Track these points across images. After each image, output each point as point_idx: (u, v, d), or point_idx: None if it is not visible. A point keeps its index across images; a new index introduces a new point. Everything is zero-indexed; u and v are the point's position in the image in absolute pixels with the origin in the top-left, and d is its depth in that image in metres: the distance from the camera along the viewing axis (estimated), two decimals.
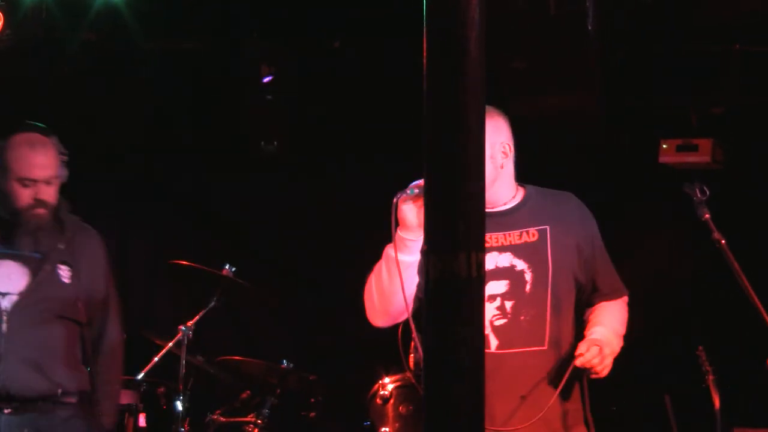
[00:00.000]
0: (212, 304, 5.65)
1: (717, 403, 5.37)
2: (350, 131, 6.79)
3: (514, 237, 3.90)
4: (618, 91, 6.10)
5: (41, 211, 4.36)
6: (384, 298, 3.84)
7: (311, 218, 6.83)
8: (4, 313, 4.26)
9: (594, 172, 6.39)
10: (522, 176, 4.08)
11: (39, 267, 4.36)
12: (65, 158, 4.46)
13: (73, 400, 4.37)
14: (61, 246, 4.42)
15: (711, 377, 5.40)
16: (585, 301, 4.01)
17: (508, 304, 3.84)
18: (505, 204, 3.94)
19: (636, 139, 6.44)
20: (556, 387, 3.85)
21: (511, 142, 3.97)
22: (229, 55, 6.61)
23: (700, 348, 5.45)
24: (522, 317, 3.84)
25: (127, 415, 5.29)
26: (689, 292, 6.22)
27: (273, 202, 6.89)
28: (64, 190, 4.54)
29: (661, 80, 6.11)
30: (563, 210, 4.01)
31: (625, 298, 4.10)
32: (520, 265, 3.88)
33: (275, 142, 6.89)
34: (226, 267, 5.67)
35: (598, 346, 3.81)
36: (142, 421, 5.36)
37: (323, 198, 6.86)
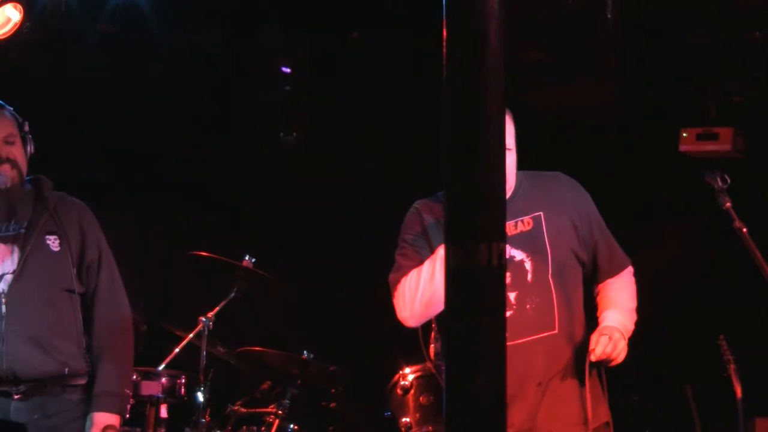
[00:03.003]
0: (232, 295, 5.66)
1: (739, 392, 5.36)
2: (370, 125, 6.78)
3: (509, 228, 3.91)
4: (635, 81, 6.08)
5: (5, 168, 4.25)
6: (434, 301, 3.81)
7: (331, 210, 6.83)
8: (3, 295, 4.19)
9: (612, 162, 6.38)
10: (537, 166, 4.08)
11: (26, 241, 4.27)
12: (27, 129, 4.35)
13: (82, 381, 4.26)
14: (45, 218, 4.30)
15: (732, 367, 5.39)
16: (591, 277, 4.03)
17: (512, 295, 3.87)
18: None
19: (654, 129, 6.42)
20: (573, 371, 3.87)
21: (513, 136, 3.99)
22: (247, 47, 6.62)
23: (721, 337, 5.44)
24: (528, 306, 3.86)
25: (148, 405, 5.31)
26: (710, 282, 6.20)
27: (293, 194, 6.90)
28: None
29: (679, 70, 6.09)
30: (554, 191, 4.03)
31: (630, 269, 4.10)
32: (519, 255, 3.90)
33: (294, 133, 6.90)
34: (246, 258, 5.68)
35: (606, 335, 3.83)
36: (163, 412, 5.37)
37: (341, 191, 6.86)
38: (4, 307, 4.20)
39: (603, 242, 4.04)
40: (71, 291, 4.31)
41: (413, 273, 3.85)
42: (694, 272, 6.26)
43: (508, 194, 3.96)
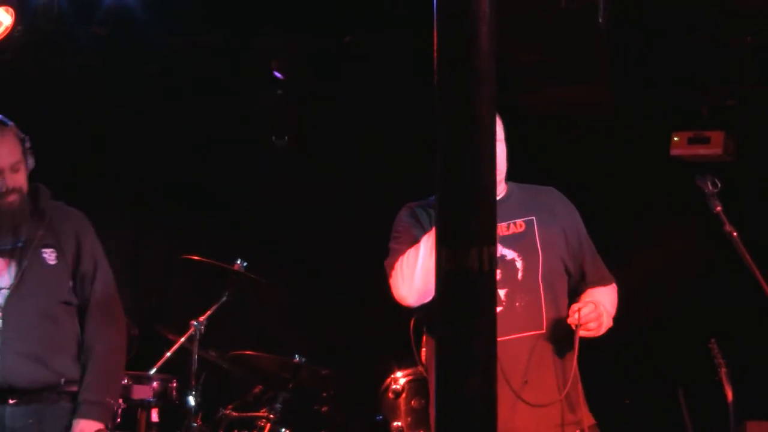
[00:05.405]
0: (224, 298, 5.66)
1: (730, 395, 5.36)
2: (363, 127, 6.77)
3: (501, 229, 3.96)
4: (629, 84, 6.08)
5: (12, 198, 4.28)
6: (431, 275, 3.77)
7: (323, 213, 6.83)
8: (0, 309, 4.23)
9: (610, 162, 6.38)
10: (535, 167, 4.10)
11: (23, 255, 4.30)
12: (28, 145, 4.37)
13: (77, 388, 4.30)
14: (42, 231, 4.33)
15: (723, 370, 5.39)
16: (573, 288, 4.06)
17: (502, 292, 3.91)
18: None
19: (647, 132, 6.42)
20: (557, 372, 3.90)
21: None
22: (240, 49, 6.61)
23: (713, 341, 5.44)
24: (517, 303, 3.91)
25: (140, 410, 5.30)
26: (701, 285, 6.21)
27: (285, 197, 6.89)
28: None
29: (672, 73, 6.09)
30: (546, 202, 4.11)
31: (614, 286, 4.14)
32: (510, 254, 3.95)
33: (286, 137, 6.89)
34: (238, 262, 5.68)
35: (593, 303, 3.89)
36: (154, 416, 5.36)
37: (335, 193, 6.85)
38: (0, 322, 4.22)
39: (590, 258, 4.11)
40: (68, 303, 4.35)
41: (411, 251, 3.85)
42: (684, 275, 6.26)
43: (501, 195, 4.01)
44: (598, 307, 3.90)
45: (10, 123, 4.37)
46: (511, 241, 3.95)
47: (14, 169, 4.29)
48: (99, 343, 4.35)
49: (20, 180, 4.31)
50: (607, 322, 3.97)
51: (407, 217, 4.04)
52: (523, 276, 3.93)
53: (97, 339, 4.35)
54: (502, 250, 3.92)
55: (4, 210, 4.30)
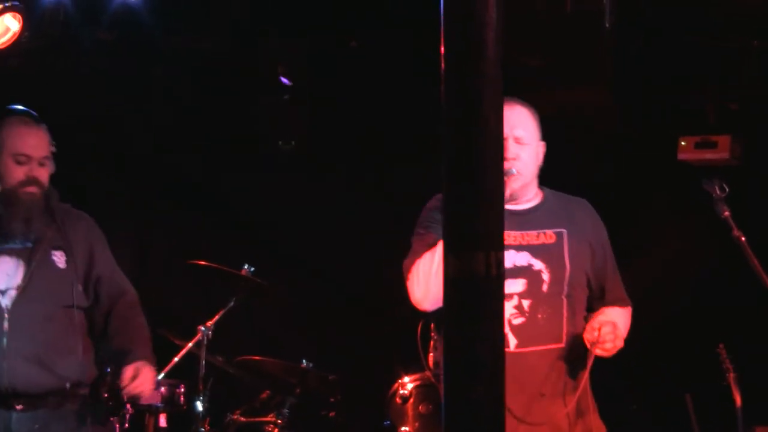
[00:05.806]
0: (231, 304, 5.66)
1: (738, 401, 5.35)
2: (363, 127, 6.78)
3: (531, 237, 3.94)
4: (634, 88, 6.08)
5: (34, 189, 4.30)
6: None
7: (330, 217, 6.83)
8: (6, 311, 4.21)
9: (611, 169, 6.38)
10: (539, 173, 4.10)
11: (32, 256, 4.29)
12: (54, 149, 4.41)
13: (83, 391, 4.31)
14: (52, 232, 4.34)
15: (732, 375, 5.38)
16: (589, 305, 4.04)
17: (526, 303, 3.88)
18: (525, 203, 3.97)
19: (653, 136, 6.42)
20: (573, 386, 3.88)
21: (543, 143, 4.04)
22: (246, 54, 6.61)
23: (721, 346, 5.43)
24: (539, 315, 3.88)
25: (147, 415, 5.30)
26: (709, 290, 6.20)
27: (291, 201, 6.89)
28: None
29: (672, 73, 6.08)
30: (577, 215, 4.07)
31: (630, 309, 4.12)
32: (538, 264, 3.91)
33: (293, 142, 6.89)
34: (245, 267, 5.68)
35: (612, 324, 3.86)
36: (162, 421, 5.36)
37: (341, 197, 6.86)
38: (6, 323, 4.22)
39: (612, 276, 4.10)
40: (74, 307, 4.33)
41: (427, 254, 3.80)
42: (692, 280, 6.25)
43: (535, 202, 4.01)
44: (617, 329, 3.87)
45: (43, 123, 4.42)
46: (540, 251, 3.92)
47: (41, 163, 4.33)
48: (134, 325, 4.44)
49: (44, 175, 4.34)
50: (619, 344, 3.95)
51: (432, 212, 3.96)
52: (548, 288, 3.90)
53: (131, 323, 4.44)
54: (530, 260, 3.90)
55: (21, 199, 4.29)
